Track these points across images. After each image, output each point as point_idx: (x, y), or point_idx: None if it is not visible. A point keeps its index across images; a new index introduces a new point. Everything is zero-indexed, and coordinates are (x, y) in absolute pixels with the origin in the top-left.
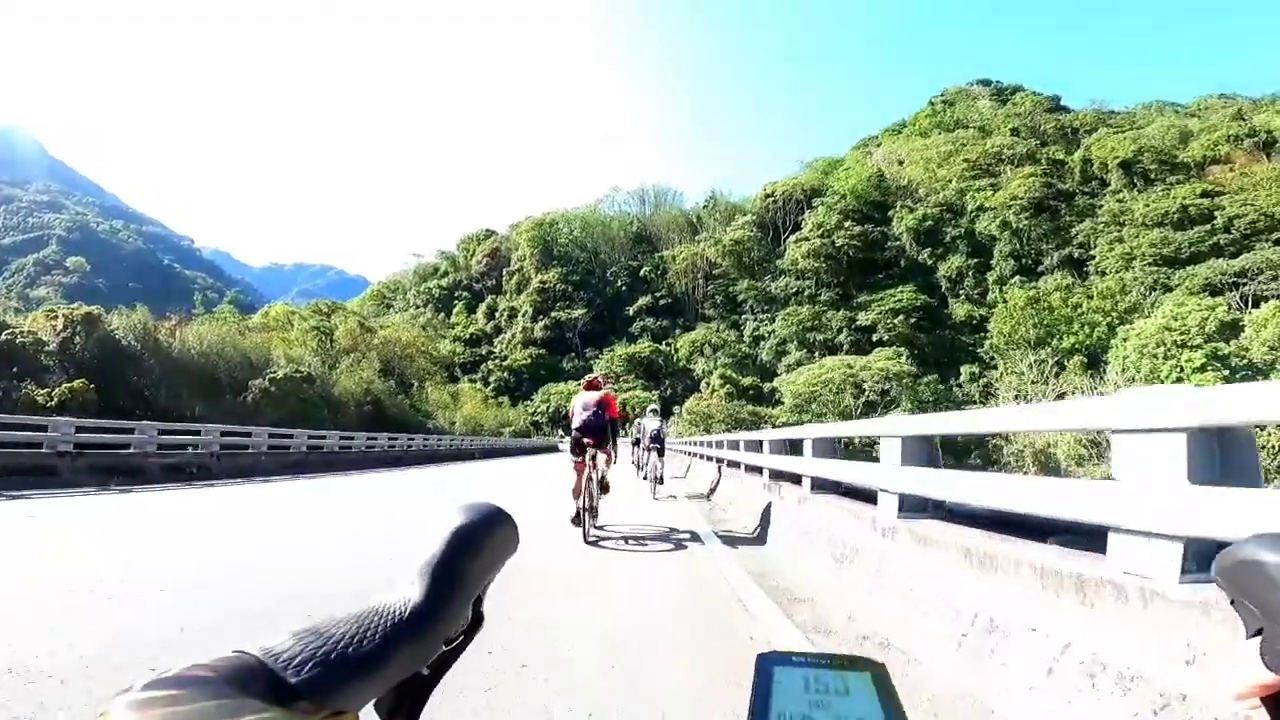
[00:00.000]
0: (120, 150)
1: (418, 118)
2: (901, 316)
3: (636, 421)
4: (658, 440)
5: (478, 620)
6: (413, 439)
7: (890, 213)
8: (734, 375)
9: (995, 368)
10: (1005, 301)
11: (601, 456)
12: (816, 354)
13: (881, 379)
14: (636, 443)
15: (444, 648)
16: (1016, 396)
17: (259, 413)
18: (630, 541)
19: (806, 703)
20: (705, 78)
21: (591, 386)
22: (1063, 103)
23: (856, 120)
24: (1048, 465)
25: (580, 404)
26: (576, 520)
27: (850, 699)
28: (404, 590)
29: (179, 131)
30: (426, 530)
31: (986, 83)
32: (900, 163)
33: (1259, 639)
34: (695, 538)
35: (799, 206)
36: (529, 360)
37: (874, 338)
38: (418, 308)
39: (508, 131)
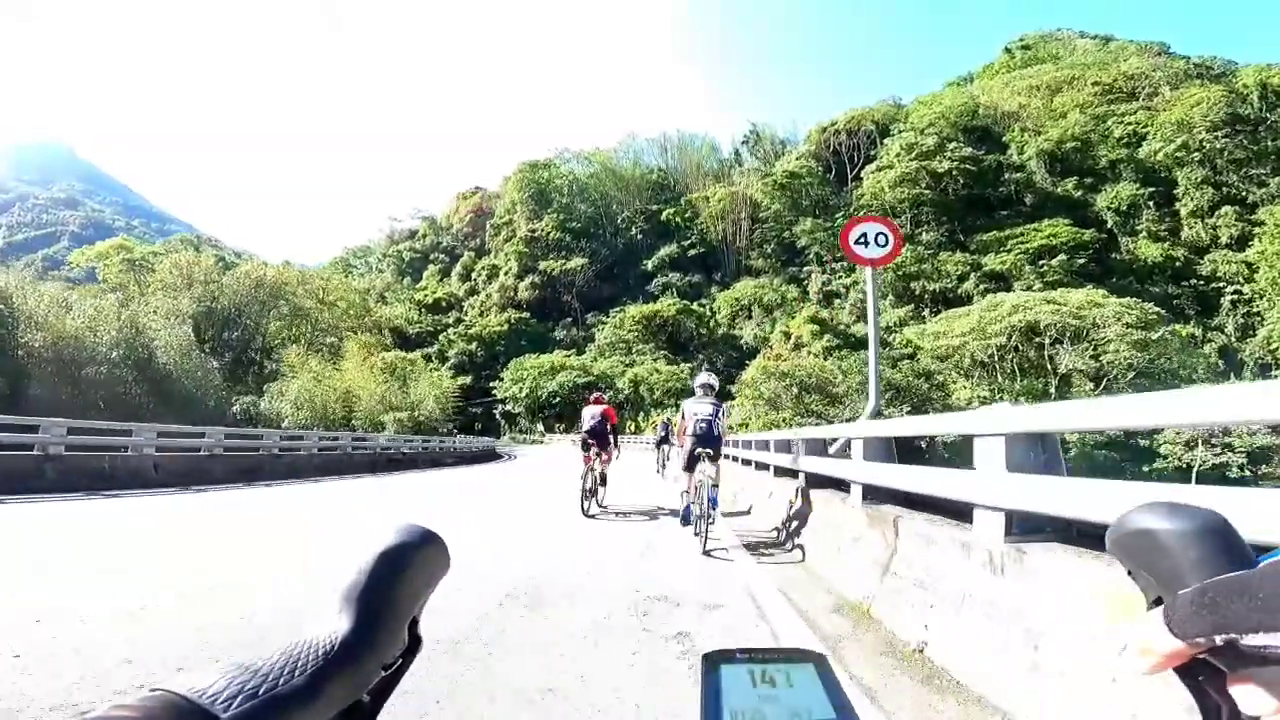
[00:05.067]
0: (155, 157)
1: (435, 106)
2: (1061, 257)
3: (681, 413)
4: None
5: (415, 642)
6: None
7: (1006, 138)
8: (830, 321)
9: (1221, 326)
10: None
11: (602, 457)
12: (926, 310)
13: (1138, 324)
14: (661, 443)
15: (382, 673)
16: None
17: None
18: None
19: (755, 698)
20: (731, 24)
21: (597, 402)
22: (1171, 50)
23: (905, 81)
24: None
25: (589, 414)
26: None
27: (796, 691)
28: (334, 619)
29: (212, 136)
30: (353, 555)
31: (1069, 30)
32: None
33: (1160, 609)
34: None
35: (869, 139)
36: (505, 326)
37: (1014, 287)
38: (381, 273)
39: (519, 91)
